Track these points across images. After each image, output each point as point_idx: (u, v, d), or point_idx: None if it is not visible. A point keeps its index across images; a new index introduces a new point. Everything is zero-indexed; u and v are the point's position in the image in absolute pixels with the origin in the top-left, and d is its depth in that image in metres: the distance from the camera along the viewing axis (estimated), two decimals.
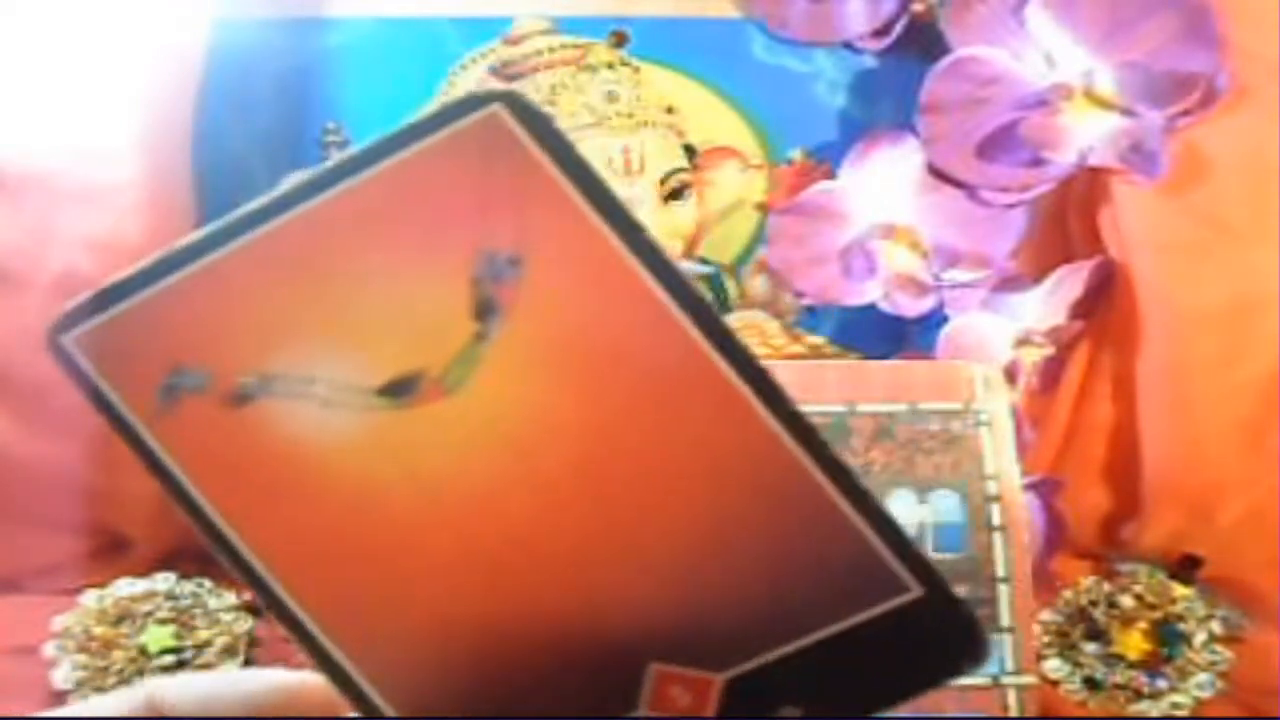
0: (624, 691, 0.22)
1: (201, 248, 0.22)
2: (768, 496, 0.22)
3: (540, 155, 0.21)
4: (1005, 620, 0.43)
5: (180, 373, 0.22)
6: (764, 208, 0.52)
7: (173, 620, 0.46)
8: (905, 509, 0.43)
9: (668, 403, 0.22)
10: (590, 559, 0.22)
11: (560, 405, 0.22)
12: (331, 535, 0.22)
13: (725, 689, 0.22)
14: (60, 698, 0.45)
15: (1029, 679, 0.43)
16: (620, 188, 0.51)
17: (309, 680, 0.24)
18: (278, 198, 0.22)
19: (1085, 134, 0.47)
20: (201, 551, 0.51)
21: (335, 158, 0.22)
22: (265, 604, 0.23)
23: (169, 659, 0.46)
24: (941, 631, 0.22)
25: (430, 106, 0.50)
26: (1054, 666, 0.47)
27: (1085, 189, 0.49)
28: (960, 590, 0.43)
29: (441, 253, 0.21)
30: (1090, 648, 0.47)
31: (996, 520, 0.43)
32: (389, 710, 0.23)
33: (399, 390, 0.22)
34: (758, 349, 0.53)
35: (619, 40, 0.51)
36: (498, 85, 0.51)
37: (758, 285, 0.53)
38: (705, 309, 0.21)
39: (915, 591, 0.22)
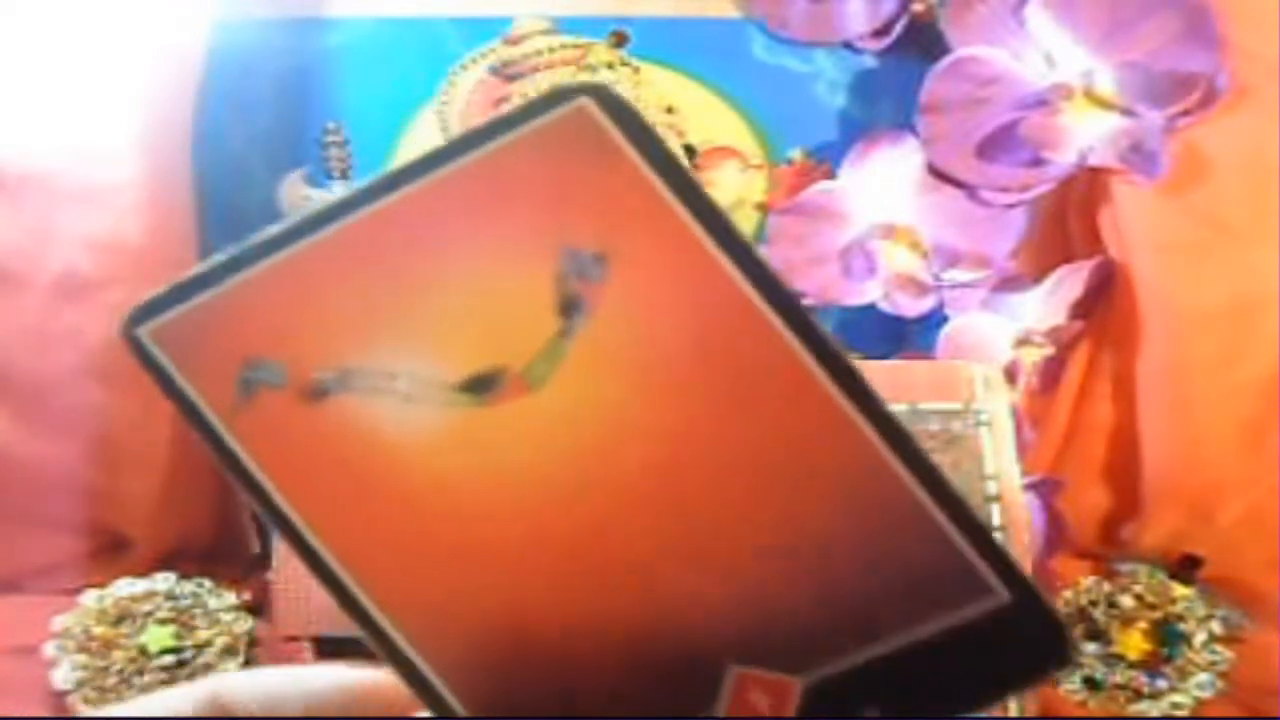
0: (702, 693, 0.22)
1: (280, 241, 0.22)
2: (854, 498, 0.21)
3: (628, 149, 0.21)
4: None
5: (257, 366, 0.22)
6: (764, 208, 0.52)
7: (173, 620, 0.46)
8: None
9: (755, 402, 0.21)
10: (669, 560, 0.22)
11: (643, 405, 0.21)
12: (409, 532, 0.22)
13: (806, 692, 0.22)
14: (60, 698, 0.45)
15: None
16: None
17: (378, 678, 0.23)
18: (359, 191, 0.22)
19: (1085, 134, 0.47)
20: (202, 551, 0.51)
21: (421, 151, 0.22)
22: (338, 600, 0.22)
23: (169, 659, 0.46)
24: (1027, 636, 0.21)
25: (431, 109, 0.51)
26: None
27: (1085, 189, 0.49)
28: None
29: (526, 248, 0.21)
30: (1090, 648, 0.47)
31: (996, 520, 0.43)
32: (463, 710, 0.22)
33: (481, 386, 0.21)
34: None
35: (619, 40, 0.51)
36: (499, 93, 0.51)
37: None
38: (796, 307, 0.21)
39: (1002, 596, 0.21)
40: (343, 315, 0.22)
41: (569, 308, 0.21)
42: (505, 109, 0.21)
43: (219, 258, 0.22)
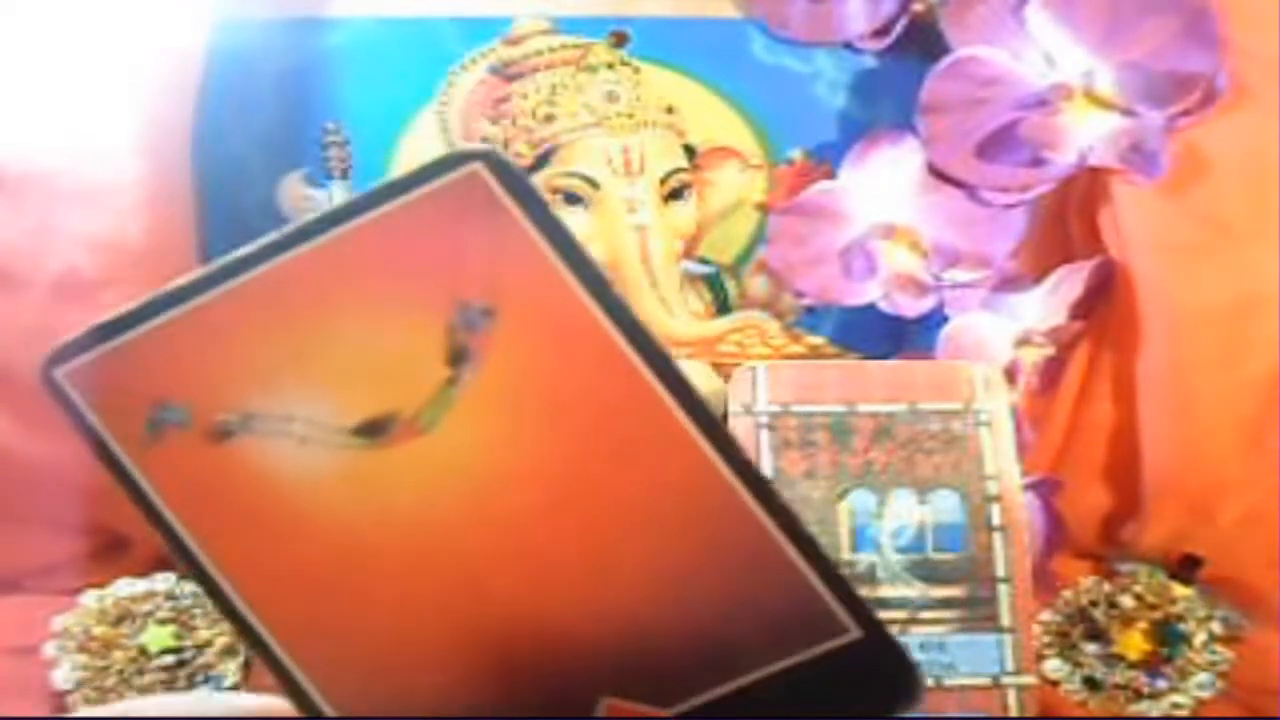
0: None
1: (189, 291, 0.23)
2: (716, 538, 0.23)
3: (516, 212, 0.22)
4: (1005, 620, 0.43)
5: (165, 408, 0.23)
6: (764, 208, 0.52)
7: (173, 620, 0.46)
8: (905, 509, 0.43)
9: (625, 448, 0.23)
10: (549, 595, 0.23)
11: (524, 448, 0.23)
12: (304, 566, 0.23)
13: None
14: (60, 698, 0.45)
15: (1029, 679, 0.43)
16: (620, 188, 0.51)
17: (277, 705, 0.24)
18: (264, 246, 0.23)
19: (1085, 134, 0.47)
20: None
21: (319, 210, 0.23)
22: (236, 631, 0.24)
23: (169, 659, 0.46)
24: (879, 671, 0.23)
25: (431, 109, 0.51)
26: (1054, 666, 0.47)
27: (1085, 189, 0.49)
28: (960, 590, 0.43)
29: (419, 301, 0.23)
30: (1090, 648, 0.47)
31: (996, 520, 0.43)
32: None
33: (374, 430, 0.23)
34: (758, 349, 0.53)
35: (619, 40, 0.51)
36: (500, 92, 0.51)
37: (758, 285, 0.53)
38: (664, 359, 0.23)
39: (854, 633, 0.23)
40: (246, 361, 0.23)
41: (458, 357, 0.23)
42: (403, 171, 0.23)
43: (132, 305, 0.23)
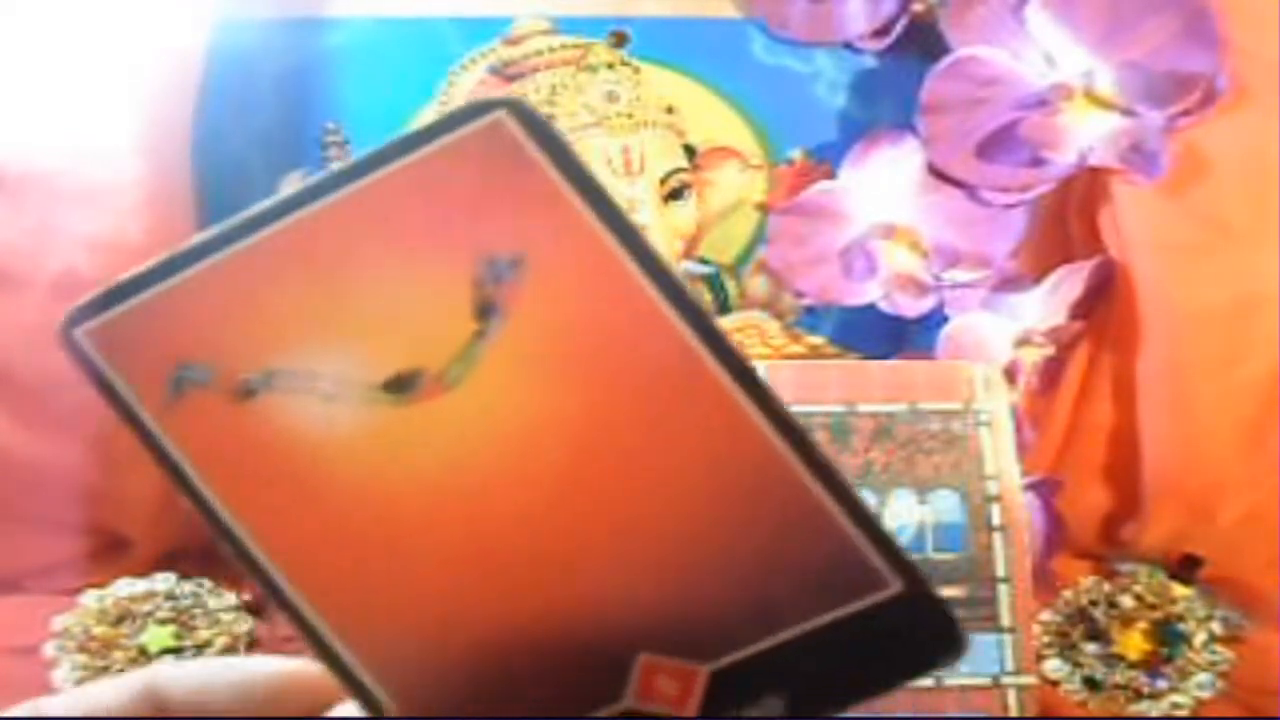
0: (613, 682, 0.23)
1: (210, 246, 0.23)
2: (754, 493, 0.22)
3: (542, 160, 0.22)
4: (1005, 620, 0.43)
5: (187, 367, 0.23)
6: (764, 208, 0.52)
7: (173, 620, 0.46)
8: (905, 509, 0.43)
9: (658, 401, 0.22)
10: (581, 553, 0.23)
11: (554, 403, 0.22)
12: (333, 528, 0.23)
13: (711, 680, 0.23)
14: None
15: (1029, 679, 0.43)
16: (620, 188, 0.51)
17: (305, 668, 0.24)
18: (285, 199, 0.22)
19: (1085, 134, 0.47)
20: (202, 551, 0.51)
21: (342, 162, 0.23)
22: (268, 595, 0.23)
23: (169, 659, 0.46)
24: (921, 626, 0.22)
25: (431, 109, 0.51)
26: (1054, 666, 0.47)
27: (1085, 189, 0.49)
28: (960, 590, 0.43)
29: (444, 254, 0.22)
30: (1090, 648, 0.47)
31: (996, 520, 0.43)
32: (387, 702, 0.23)
33: (401, 386, 0.22)
34: (757, 349, 0.53)
35: (619, 40, 0.51)
36: (500, 93, 0.51)
37: (758, 285, 0.53)
38: (697, 310, 0.22)
39: (895, 587, 0.22)
40: (269, 317, 0.22)
41: (485, 311, 0.22)
42: (425, 121, 0.22)
43: (151, 262, 0.23)
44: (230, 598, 0.47)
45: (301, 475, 0.23)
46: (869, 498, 0.43)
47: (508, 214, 0.22)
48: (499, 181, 0.22)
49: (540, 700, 0.23)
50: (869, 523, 0.22)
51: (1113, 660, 0.47)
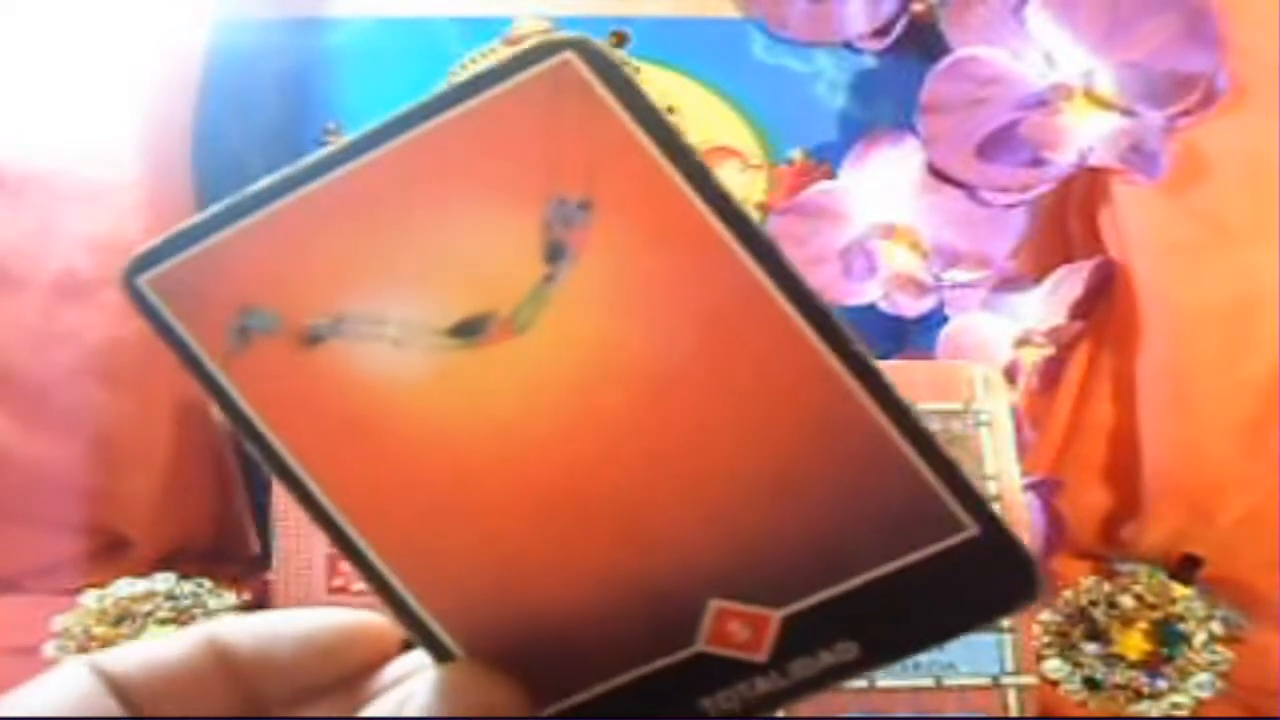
0: (683, 627, 0.22)
1: (274, 192, 0.22)
2: (828, 436, 0.22)
3: (610, 101, 0.21)
4: (1005, 620, 0.43)
5: (252, 314, 0.22)
6: (764, 208, 0.52)
7: (173, 620, 0.46)
8: None
9: (731, 343, 0.22)
10: (652, 497, 0.22)
11: (625, 346, 0.22)
12: (401, 475, 0.23)
13: (783, 624, 0.22)
14: None
15: (1029, 679, 0.43)
16: None
17: (368, 619, 0.24)
18: (349, 144, 0.22)
19: (1085, 134, 0.47)
20: (202, 551, 0.51)
21: (407, 104, 0.23)
22: (335, 543, 0.23)
23: None
24: (996, 569, 0.22)
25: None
26: (1054, 666, 0.47)
27: (1085, 189, 0.49)
28: None
29: (513, 197, 0.22)
30: (1090, 648, 0.47)
31: None
32: (456, 649, 0.23)
33: (469, 330, 0.22)
34: None
35: (619, 40, 0.51)
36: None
37: None
38: (770, 250, 0.22)
39: (971, 530, 0.22)
40: (335, 263, 0.22)
41: (554, 254, 0.22)
42: (489, 63, 0.22)
43: (215, 208, 0.22)
44: (230, 598, 0.47)
45: (369, 421, 0.22)
46: None
47: (577, 155, 0.21)
48: (567, 123, 0.21)
49: (610, 645, 0.23)
50: (944, 465, 0.22)
51: (1113, 660, 0.47)
